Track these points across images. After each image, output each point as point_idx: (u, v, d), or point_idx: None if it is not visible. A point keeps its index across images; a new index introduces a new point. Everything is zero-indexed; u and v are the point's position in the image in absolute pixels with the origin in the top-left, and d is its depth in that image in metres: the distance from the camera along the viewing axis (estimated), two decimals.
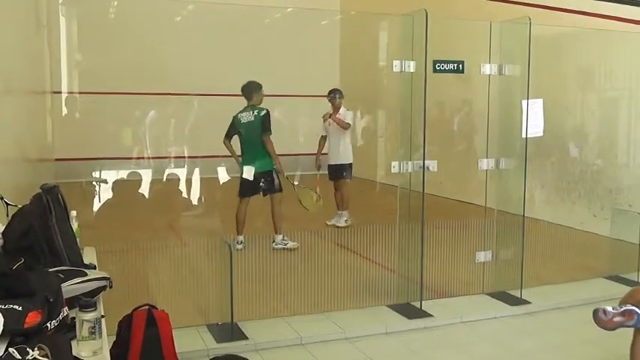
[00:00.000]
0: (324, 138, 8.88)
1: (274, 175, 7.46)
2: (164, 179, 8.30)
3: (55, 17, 10.77)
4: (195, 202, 8.67)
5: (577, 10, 8.30)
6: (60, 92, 11.55)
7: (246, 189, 7.41)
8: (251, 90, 7.49)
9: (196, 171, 8.56)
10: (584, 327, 4.78)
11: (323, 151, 8.83)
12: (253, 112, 7.43)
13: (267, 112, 7.42)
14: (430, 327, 5.19)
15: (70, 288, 2.32)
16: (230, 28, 11.66)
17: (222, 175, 10.32)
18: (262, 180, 7.40)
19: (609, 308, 3.49)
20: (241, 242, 7.33)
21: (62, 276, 2.35)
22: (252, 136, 7.42)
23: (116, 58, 11.78)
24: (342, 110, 8.74)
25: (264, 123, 7.37)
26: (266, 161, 7.41)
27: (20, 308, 1.94)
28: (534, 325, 5.31)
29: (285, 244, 7.44)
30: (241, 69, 11.77)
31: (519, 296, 5.74)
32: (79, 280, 2.40)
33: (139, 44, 11.97)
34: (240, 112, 7.49)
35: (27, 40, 7.00)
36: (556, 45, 8.13)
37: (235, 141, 7.51)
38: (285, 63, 12.87)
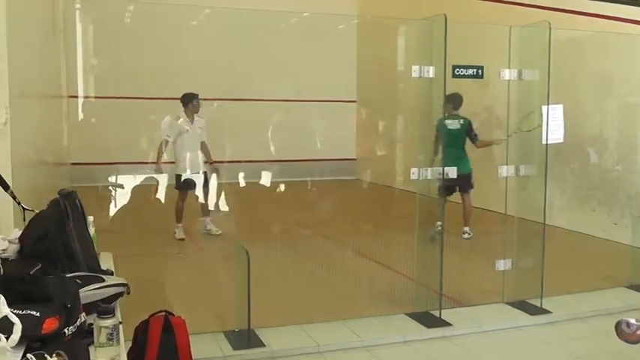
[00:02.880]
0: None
1: (471, 176, 8.24)
2: (177, 185, 8.28)
3: (71, 22, 10.80)
4: (212, 207, 8.64)
5: (597, 13, 8.20)
6: (76, 97, 11.57)
7: (446, 188, 7.46)
8: (458, 101, 8.14)
9: (213, 176, 8.53)
10: (605, 338, 4.69)
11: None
12: (459, 121, 8.15)
13: (470, 121, 8.26)
14: (449, 336, 5.12)
15: (88, 294, 2.29)
16: (246, 33, 11.62)
17: (240, 181, 10.33)
18: (460, 180, 7.50)
19: (632, 320, 3.38)
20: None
21: (80, 282, 2.32)
22: (455, 141, 7.94)
23: (132, 63, 11.81)
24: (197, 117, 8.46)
25: (473, 131, 8.21)
26: (464, 164, 8.02)
27: (38, 314, 1.93)
28: (554, 335, 5.21)
29: (470, 235, 8.28)
30: (258, 74, 11.83)
31: (539, 305, 5.65)
32: (97, 286, 2.37)
33: (155, 49, 11.98)
34: (445, 119, 7.76)
35: (43, 45, 7.00)
36: (576, 49, 8.05)
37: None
38: (301, 68, 12.83)
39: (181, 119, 8.31)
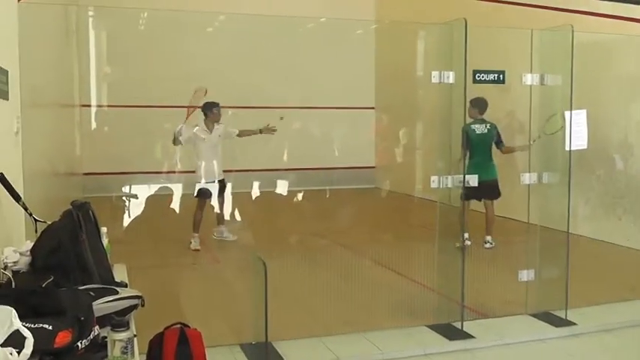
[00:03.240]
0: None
1: (497, 183, 8.17)
2: (195, 194, 8.26)
3: (84, 30, 10.81)
4: (227, 217, 8.60)
5: (621, 15, 8.09)
6: (89, 105, 11.57)
7: (471, 193, 7.37)
8: (484, 105, 8.10)
9: (229, 185, 8.50)
10: (632, 350, 4.61)
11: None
12: (486, 125, 8.11)
13: (496, 126, 8.24)
14: (471, 349, 5.00)
15: (102, 306, 2.28)
16: (262, 39, 11.61)
17: (255, 190, 10.27)
18: (486, 186, 7.60)
19: None
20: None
21: (93, 294, 2.31)
22: (483, 146, 8.05)
23: (146, 71, 11.78)
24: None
25: (499, 136, 8.19)
26: (491, 170, 8.09)
27: (50, 327, 1.93)
28: (580, 348, 5.08)
29: (492, 245, 8.14)
30: (273, 80, 11.77)
31: (564, 317, 5.51)
32: (111, 299, 2.36)
33: (169, 56, 11.96)
34: (472, 123, 7.95)
35: (56, 53, 7.00)
36: (599, 52, 7.93)
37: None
38: (319, 74, 12.79)
39: (197, 127, 8.24)
